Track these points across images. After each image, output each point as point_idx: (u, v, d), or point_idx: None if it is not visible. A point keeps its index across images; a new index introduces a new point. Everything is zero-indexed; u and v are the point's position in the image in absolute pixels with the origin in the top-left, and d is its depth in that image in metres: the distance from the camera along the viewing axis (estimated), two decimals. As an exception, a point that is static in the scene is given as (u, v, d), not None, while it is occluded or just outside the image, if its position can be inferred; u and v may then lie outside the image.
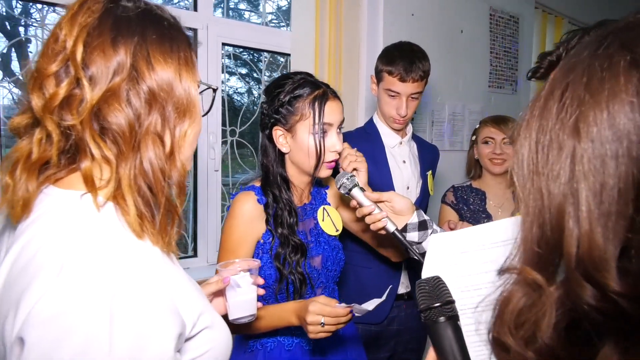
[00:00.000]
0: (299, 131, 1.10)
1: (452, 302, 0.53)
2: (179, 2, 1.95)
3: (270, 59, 2.16)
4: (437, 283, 0.54)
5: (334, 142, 1.12)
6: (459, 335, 0.52)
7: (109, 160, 0.57)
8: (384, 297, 0.97)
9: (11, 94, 1.57)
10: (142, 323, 0.52)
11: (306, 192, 1.22)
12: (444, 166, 2.06)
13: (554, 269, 0.37)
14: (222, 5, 2.02)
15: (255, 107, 2.14)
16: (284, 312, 1.04)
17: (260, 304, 0.95)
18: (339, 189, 1.10)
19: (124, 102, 0.57)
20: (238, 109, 2.09)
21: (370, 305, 0.96)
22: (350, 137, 1.46)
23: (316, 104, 1.09)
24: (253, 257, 1.10)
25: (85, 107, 0.56)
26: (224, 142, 1.98)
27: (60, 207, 0.58)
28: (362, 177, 1.16)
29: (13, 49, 1.60)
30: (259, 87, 2.15)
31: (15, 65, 1.60)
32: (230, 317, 0.91)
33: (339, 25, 1.92)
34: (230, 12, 2.14)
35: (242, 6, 2.25)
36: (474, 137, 1.80)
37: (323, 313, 0.96)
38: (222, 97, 1.95)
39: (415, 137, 1.68)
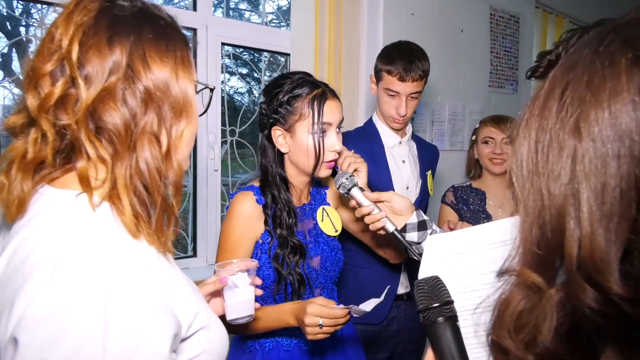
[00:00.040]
0: (298, 131, 1.10)
1: (451, 302, 0.53)
2: (179, 2, 1.95)
3: (271, 59, 2.16)
4: (436, 283, 0.54)
5: (333, 142, 1.11)
6: (457, 336, 0.51)
7: (104, 160, 0.56)
8: (382, 298, 0.96)
9: (12, 94, 1.57)
10: (136, 323, 0.52)
11: (305, 192, 1.22)
12: (444, 166, 2.05)
13: (554, 271, 0.37)
14: (222, 5, 2.02)
15: (255, 107, 2.13)
16: (282, 313, 1.04)
17: (258, 305, 0.94)
18: (338, 188, 1.10)
19: (119, 102, 0.57)
20: (238, 109, 2.08)
21: (369, 306, 0.95)
22: (349, 137, 1.46)
23: (315, 103, 1.08)
24: (251, 257, 1.10)
25: (81, 107, 0.55)
26: (224, 142, 1.97)
27: (55, 206, 0.57)
28: (362, 178, 1.16)
29: (14, 49, 1.60)
30: (259, 87, 2.15)
31: (16, 66, 1.60)
32: (228, 318, 0.90)
33: (339, 24, 1.92)
34: (231, 12, 2.14)
35: (242, 6, 2.25)
36: (473, 137, 1.80)
37: (321, 315, 0.95)
38: (222, 97, 1.94)
39: (414, 137, 1.67)
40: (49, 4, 1.54)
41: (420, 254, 1.01)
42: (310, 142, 1.08)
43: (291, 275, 1.08)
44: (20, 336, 0.49)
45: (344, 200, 1.25)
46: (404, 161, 1.59)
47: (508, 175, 0.41)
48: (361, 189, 1.08)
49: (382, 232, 1.06)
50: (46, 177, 0.59)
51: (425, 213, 1.13)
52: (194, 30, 1.81)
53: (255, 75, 2.15)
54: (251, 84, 2.18)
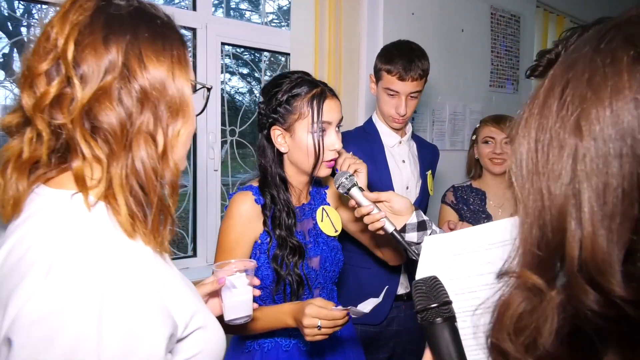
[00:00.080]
0: (297, 130, 1.09)
1: (450, 302, 0.52)
2: (180, 2, 1.94)
3: (272, 59, 2.16)
4: (434, 283, 0.53)
5: (333, 141, 1.11)
6: (456, 337, 0.51)
7: (100, 160, 0.56)
8: (380, 298, 0.96)
9: (13, 94, 1.57)
10: (132, 323, 0.51)
11: (304, 192, 1.21)
12: (445, 166, 2.04)
13: (554, 273, 0.36)
14: (222, 5, 2.02)
15: (256, 107, 2.13)
16: (280, 314, 1.03)
17: (256, 305, 0.94)
18: (337, 188, 1.09)
19: (115, 101, 0.56)
20: (239, 109, 2.08)
21: (367, 306, 0.94)
22: (349, 137, 1.45)
23: (314, 102, 1.08)
24: (250, 257, 1.09)
25: (76, 106, 0.55)
26: (224, 142, 1.97)
27: (51, 206, 0.57)
28: (361, 179, 1.15)
29: (15, 49, 1.60)
30: (260, 87, 2.14)
31: (17, 66, 1.60)
32: (226, 318, 0.90)
33: (339, 24, 1.91)
34: (231, 12, 2.14)
35: (243, 6, 2.24)
36: (474, 137, 1.79)
37: (319, 316, 0.95)
38: (222, 97, 1.94)
39: (414, 137, 1.66)
40: (50, 4, 1.53)
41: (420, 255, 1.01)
42: (310, 141, 1.08)
43: (290, 276, 1.08)
44: (14, 337, 0.49)
45: (344, 200, 1.25)
46: (403, 161, 1.58)
47: (507, 175, 0.40)
48: (360, 189, 1.08)
49: (381, 232, 1.06)
50: (42, 177, 0.59)
51: (425, 213, 1.12)
52: (194, 30, 1.81)
53: (256, 75, 2.15)
54: (252, 83, 2.17)
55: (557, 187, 0.35)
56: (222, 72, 1.93)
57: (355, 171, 1.15)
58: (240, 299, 0.90)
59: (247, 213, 1.09)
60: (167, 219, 0.60)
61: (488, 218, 1.68)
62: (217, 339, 0.67)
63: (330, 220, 1.21)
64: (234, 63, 2.06)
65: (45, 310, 0.49)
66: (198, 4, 1.81)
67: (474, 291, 0.54)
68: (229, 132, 1.99)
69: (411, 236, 1.08)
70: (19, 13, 1.61)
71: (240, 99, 2.19)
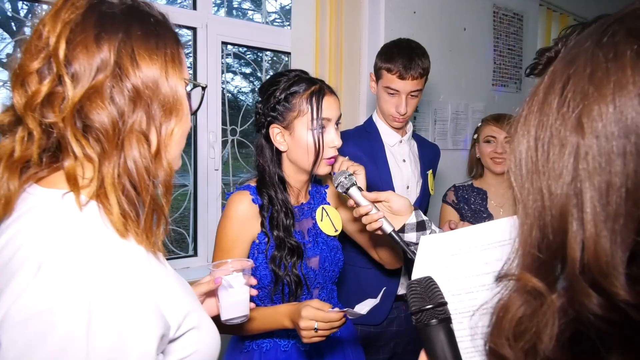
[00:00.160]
0: (297, 128, 1.08)
1: (445, 304, 0.51)
2: (182, 1, 1.94)
3: (274, 58, 2.15)
4: (428, 284, 0.52)
5: (332, 137, 1.10)
6: (451, 339, 0.50)
7: (91, 159, 0.56)
8: (378, 299, 0.94)
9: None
10: (122, 323, 0.51)
11: (303, 191, 1.20)
12: (447, 165, 2.03)
13: (555, 276, 0.35)
14: (224, 5, 2.01)
15: (258, 107, 2.12)
16: (277, 315, 1.02)
17: (253, 305, 0.93)
18: (336, 187, 1.08)
19: (107, 100, 0.56)
20: (241, 108, 2.07)
21: (365, 308, 0.93)
22: (349, 136, 1.44)
23: (314, 99, 1.07)
24: (248, 257, 1.08)
25: (67, 105, 0.55)
26: (225, 142, 1.96)
27: (42, 205, 0.57)
28: (360, 181, 1.14)
29: (19, 49, 1.59)
30: (261, 86, 2.13)
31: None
32: (223, 318, 0.89)
33: (340, 23, 1.90)
34: (234, 12, 2.13)
35: (245, 5, 2.24)
36: (475, 136, 1.77)
37: (316, 318, 0.94)
38: (224, 95, 1.93)
39: (415, 136, 1.65)
40: (51, 4, 1.53)
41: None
42: (310, 139, 1.07)
43: (288, 276, 1.07)
44: (3, 337, 0.48)
45: (343, 199, 1.24)
46: (404, 160, 1.57)
47: (506, 175, 0.39)
48: (359, 189, 1.06)
49: (379, 232, 1.05)
50: (33, 176, 0.59)
51: (425, 213, 1.11)
52: (194, 29, 1.80)
53: (259, 74, 2.14)
54: (254, 83, 2.16)
55: (558, 186, 0.34)
56: (223, 72, 1.92)
57: (353, 172, 1.14)
58: (236, 298, 0.89)
59: (245, 213, 1.08)
60: (160, 218, 0.60)
61: (489, 218, 1.66)
62: (212, 340, 0.66)
63: (330, 220, 1.20)
64: (237, 62, 2.05)
65: (34, 310, 0.48)
66: (198, 4, 1.81)
67: (471, 292, 0.52)
68: (230, 132, 1.98)
69: (410, 236, 1.06)
70: (22, 14, 1.61)
71: (243, 98, 2.18)
